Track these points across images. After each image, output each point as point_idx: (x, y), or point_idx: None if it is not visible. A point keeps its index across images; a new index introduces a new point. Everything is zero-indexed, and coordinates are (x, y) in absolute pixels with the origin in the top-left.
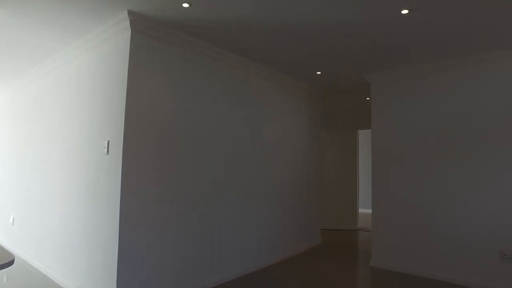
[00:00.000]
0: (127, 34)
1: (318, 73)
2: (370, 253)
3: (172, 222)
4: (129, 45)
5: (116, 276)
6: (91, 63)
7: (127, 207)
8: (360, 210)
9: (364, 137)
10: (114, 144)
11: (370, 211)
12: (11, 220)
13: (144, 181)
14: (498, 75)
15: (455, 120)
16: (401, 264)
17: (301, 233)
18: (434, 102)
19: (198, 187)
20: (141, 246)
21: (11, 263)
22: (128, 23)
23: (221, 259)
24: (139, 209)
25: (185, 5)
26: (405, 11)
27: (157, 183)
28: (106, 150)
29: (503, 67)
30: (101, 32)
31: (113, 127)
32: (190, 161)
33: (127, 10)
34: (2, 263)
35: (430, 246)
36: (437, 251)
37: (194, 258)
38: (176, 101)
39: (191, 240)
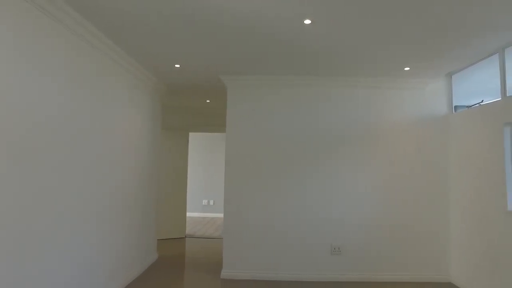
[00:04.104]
0: None
1: (177, 66)
2: (215, 263)
3: None
4: None
5: None
6: None
7: None
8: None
9: (192, 139)
10: None
11: (192, 214)
12: None
13: None
14: (345, 97)
15: (303, 132)
16: (252, 271)
17: (139, 250)
18: (287, 113)
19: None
20: None
21: None
22: None
23: None
24: None
25: None
26: (307, 21)
27: None
28: None
29: (343, 91)
30: None
31: None
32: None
33: None
34: None
35: (276, 250)
36: (283, 254)
37: None
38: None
39: None
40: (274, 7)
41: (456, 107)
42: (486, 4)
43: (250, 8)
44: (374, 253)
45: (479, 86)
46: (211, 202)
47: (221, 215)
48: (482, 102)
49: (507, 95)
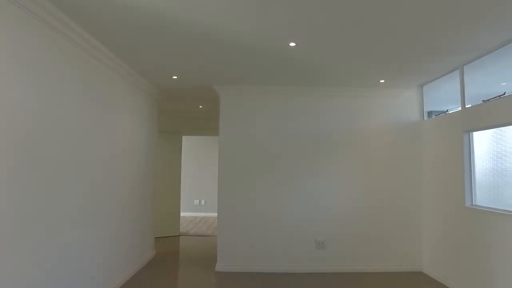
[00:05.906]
0: None
1: (175, 77)
2: (209, 258)
3: None
4: None
5: None
6: None
7: None
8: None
9: (184, 142)
10: None
11: (185, 213)
12: None
13: None
14: (328, 105)
15: (290, 137)
16: (244, 264)
17: (138, 248)
18: (275, 120)
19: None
20: None
21: None
22: None
23: None
24: None
25: None
26: (292, 44)
27: None
28: None
29: (326, 100)
30: None
31: None
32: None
33: None
34: None
35: (267, 244)
36: (273, 248)
37: None
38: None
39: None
40: (266, 33)
41: (431, 112)
42: (449, 29)
43: (247, 33)
44: (355, 247)
45: (447, 95)
46: (203, 202)
47: (212, 214)
48: (447, 111)
49: (466, 106)
